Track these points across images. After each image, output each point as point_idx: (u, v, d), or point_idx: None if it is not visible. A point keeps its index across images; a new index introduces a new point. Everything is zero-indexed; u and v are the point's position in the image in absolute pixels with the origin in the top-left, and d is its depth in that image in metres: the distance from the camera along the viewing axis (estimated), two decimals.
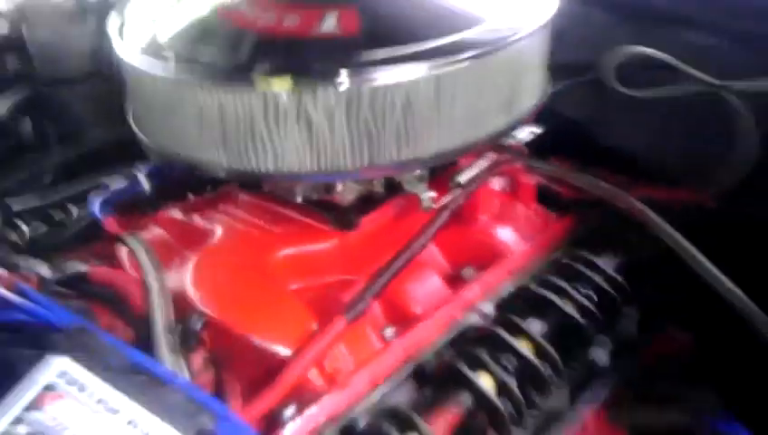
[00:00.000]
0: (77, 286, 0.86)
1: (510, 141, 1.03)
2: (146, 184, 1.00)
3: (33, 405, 0.60)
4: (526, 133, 1.03)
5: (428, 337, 0.85)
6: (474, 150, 0.88)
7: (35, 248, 1.00)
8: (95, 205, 0.97)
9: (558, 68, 1.18)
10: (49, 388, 0.61)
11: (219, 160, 0.81)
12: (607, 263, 0.97)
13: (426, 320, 0.87)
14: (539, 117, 1.08)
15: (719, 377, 0.97)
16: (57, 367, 0.61)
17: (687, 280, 0.93)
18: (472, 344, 0.84)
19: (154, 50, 0.87)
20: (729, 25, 1.06)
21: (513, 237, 1.02)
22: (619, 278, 0.94)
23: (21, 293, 0.73)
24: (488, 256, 0.99)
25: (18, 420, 0.59)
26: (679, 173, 1.10)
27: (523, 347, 0.83)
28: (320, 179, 0.85)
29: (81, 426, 0.60)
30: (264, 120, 0.77)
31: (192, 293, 0.85)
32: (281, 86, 0.74)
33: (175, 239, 0.99)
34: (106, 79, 1.36)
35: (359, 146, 0.78)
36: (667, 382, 0.99)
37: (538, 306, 0.89)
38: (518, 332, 0.84)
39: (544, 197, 1.09)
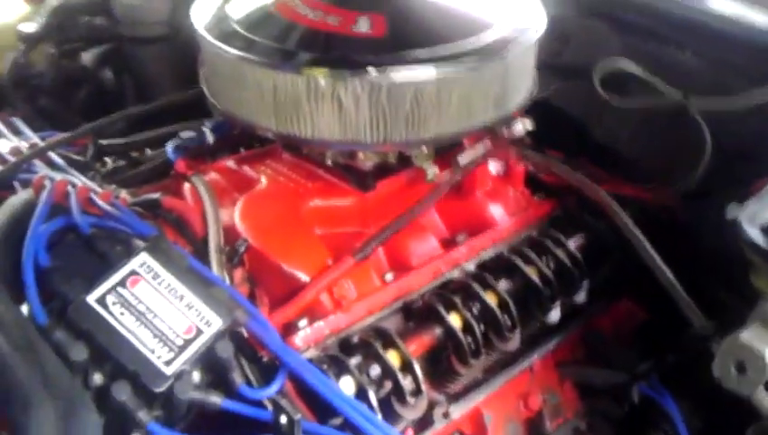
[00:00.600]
0: (151, 209, 1.10)
1: (512, 132, 1.25)
2: (210, 136, 1.23)
3: (122, 283, 0.84)
4: (520, 127, 1.24)
5: (418, 283, 1.09)
6: (467, 136, 1.10)
7: (117, 178, 1.24)
8: (168, 148, 1.21)
9: (562, 68, 1.40)
10: (133, 273, 0.85)
11: (270, 125, 1.05)
12: (572, 242, 1.19)
13: (418, 270, 1.10)
14: (542, 111, 1.30)
15: (659, 348, 1.18)
16: (140, 259, 0.86)
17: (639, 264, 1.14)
18: (449, 291, 1.07)
19: (224, 29, 1.10)
20: (699, 46, 1.26)
21: (501, 213, 1.24)
22: (578, 255, 1.15)
23: (115, 206, 0.97)
24: (479, 226, 1.21)
25: (109, 291, 0.83)
26: (650, 172, 1.30)
27: (490, 299, 1.06)
28: (344, 147, 1.08)
29: (153, 302, 0.84)
30: (307, 98, 1.00)
31: (238, 223, 1.08)
32: (320, 74, 0.97)
33: (228, 183, 1.22)
34: (179, 43, 1.61)
35: (376, 125, 1.01)
36: (611, 346, 1.21)
37: (508, 270, 1.12)
38: (487, 286, 1.07)
39: (533, 182, 1.31)
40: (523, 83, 1.14)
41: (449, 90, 1.01)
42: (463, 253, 1.15)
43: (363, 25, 1.06)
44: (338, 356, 0.95)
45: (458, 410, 1.05)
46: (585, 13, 1.41)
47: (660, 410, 1.12)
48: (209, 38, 1.08)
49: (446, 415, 1.03)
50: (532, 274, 1.11)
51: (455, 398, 1.07)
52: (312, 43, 1.06)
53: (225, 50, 1.05)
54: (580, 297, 1.16)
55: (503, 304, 1.06)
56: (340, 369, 0.93)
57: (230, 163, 1.25)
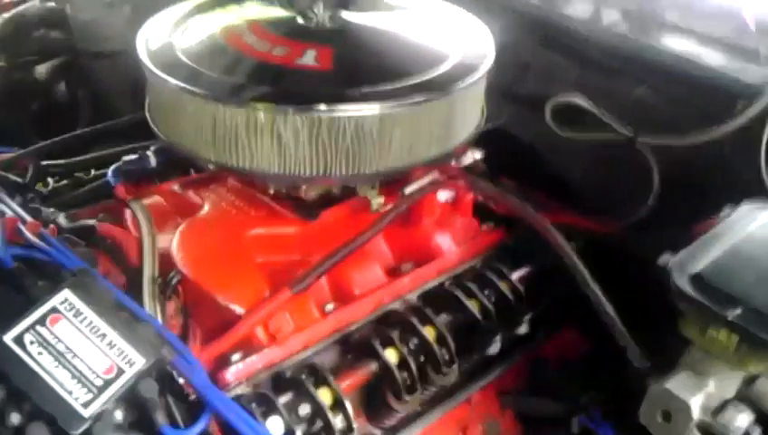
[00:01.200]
0: (86, 236, 1.08)
1: (460, 162, 1.24)
2: (153, 160, 1.21)
3: (41, 321, 0.82)
4: (469, 157, 1.24)
5: (358, 315, 1.08)
6: (408, 172, 1.09)
7: (56, 199, 1.22)
8: (109, 172, 1.19)
9: (519, 96, 1.40)
10: (54, 310, 0.83)
11: (209, 156, 1.03)
12: (516, 273, 1.18)
13: (359, 301, 1.09)
14: (497, 137, 1.29)
15: (603, 380, 1.18)
16: (62, 296, 0.84)
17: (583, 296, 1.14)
18: (389, 325, 1.06)
19: (168, 58, 1.09)
20: (653, 82, 1.26)
21: (448, 242, 1.23)
22: (521, 288, 1.15)
23: (42, 237, 0.95)
24: (425, 256, 1.20)
25: (27, 330, 0.81)
26: (600, 204, 1.30)
27: (428, 333, 1.05)
28: (284, 181, 1.06)
29: (73, 341, 0.82)
30: (246, 131, 0.98)
31: (175, 253, 1.06)
32: (260, 108, 0.96)
33: (172, 207, 1.21)
34: (135, 58, 1.59)
35: (316, 160, 1.00)
36: (554, 376, 1.21)
37: (450, 303, 1.11)
38: (426, 321, 1.06)
39: (482, 210, 1.30)
40: (468, 119, 1.14)
41: (391, 127, 1.00)
42: (406, 284, 1.14)
43: (309, 58, 1.05)
44: (267, 394, 0.93)
45: None
46: (544, 43, 1.41)
47: None
48: (151, 67, 1.06)
49: None
50: (472, 307, 1.10)
51: (391, 431, 1.06)
52: (255, 76, 1.05)
53: (166, 79, 1.03)
54: (522, 329, 1.15)
55: (441, 339, 1.05)
56: (269, 408, 0.92)
57: (175, 187, 1.23)
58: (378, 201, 1.14)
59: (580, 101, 1.28)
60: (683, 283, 0.85)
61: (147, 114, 1.16)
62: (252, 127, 0.98)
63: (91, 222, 1.10)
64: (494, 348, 1.11)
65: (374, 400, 1.04)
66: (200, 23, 1.18)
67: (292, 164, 1.00)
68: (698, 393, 0.81)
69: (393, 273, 1.17)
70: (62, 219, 1.12)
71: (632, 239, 1.25)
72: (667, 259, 0.88)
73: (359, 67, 1.06)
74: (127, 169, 1.20)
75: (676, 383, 0.82)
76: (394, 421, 1.06)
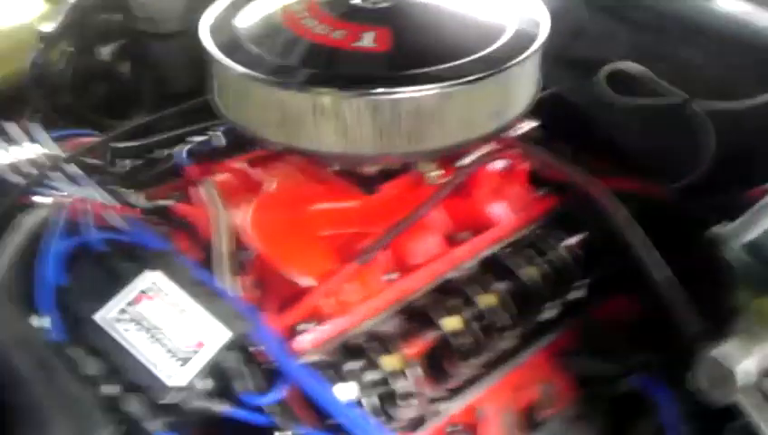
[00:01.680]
0: (164, 216, 1.16)
1: (520, 129, 1.27)
2: (222, 140, 1.28)
3: (133, 302, 0.90)
4: (524, 126, 1.27)
5: (418, 284, 1.13)
6: (467, 148, 1.13)
7: (132, 181, 1.29)
8: (182, 153, 1.26)
9: (573, 62, 1.42)
10: (144, 292, 0.91)
11: (277, 137, 1.09)
12: (571, 240, 1.22)
13: (418, 271, 1.14)
14: (553, 104, 1.32)
15: (656, 342, 1.21)
16: (150, 278, 0.91)
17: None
18: (448, 293, 1.12)
19: (230, 42, 1.14)
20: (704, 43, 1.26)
21: (504, 211, 1.27)
22: (577, 254, 1.18)
23: (127, 221, 1.03)
24: (482, 224, 1.25)
25: (123, 311, 0.89)
26: (655, 169, 1.32)
27: (490, 298, 1.10)
28: (347, 161, 1.12)
29: (160, 318, 0.90)
30: (312, 114, 1.04)
31: (247, 230, 1.13)
32: (323, 93, 1.01)
33: (240, 185, 1.27)
34: (195, 38, 1.64)
35: (378, 140, 1.04)
36: (610, 340, 1.25)
37: (507, 270, 1.15)
38: (486, 287, 1.11)
39: (537, 178, 1.33)
40: (525, 91, 1.16)
41: (450, 105, 1.04)
42: (463, 252, 1.18)
43: (368, 40, 1.09)
44: (337, 361, 1.00)
45: (455, 407, 1.10)
46: (596, 7, 1.42)
47: (653, 401, 1.15)
48: (215, 52, 1.12)
49: (441, 412, 1.08)
50: (529, 274, 1.14)
51: (452, 393, 1.12)
52: (316, 61, 1.09)
53: (231, 65, 1.09)
54: (577, 294, 1.19)
55: (498, 306, 1.10)
56: (340, 373, 0.98)
57: (242, 165, 1.29)
58: (435, 174, 1.18)
59: (633, 67, 1.29)
60: (737, 250, 0.88)
61: (214, 98, 1.21)
62: (317, 111, 1.03)
63: (167, 202, 1.16)
64: (550, 313, 1.16)
65: (435, 365, 1.10)
66: (260, 6, 1.23)
67: (356, 144, 1.05)
68: (747, 360, 0.84)
69: (451, 242, 1.22)
70: (141, 201, 1.19)
71: (686, 204, 1.27)
72: (722, 227, 0.91)
73: (415, 47, 1.09)
74: (199, 150, 1.27)
75: (724, 350, 0.85)
76: (455, 385, 1.12)
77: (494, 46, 1.10)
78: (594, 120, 1.39)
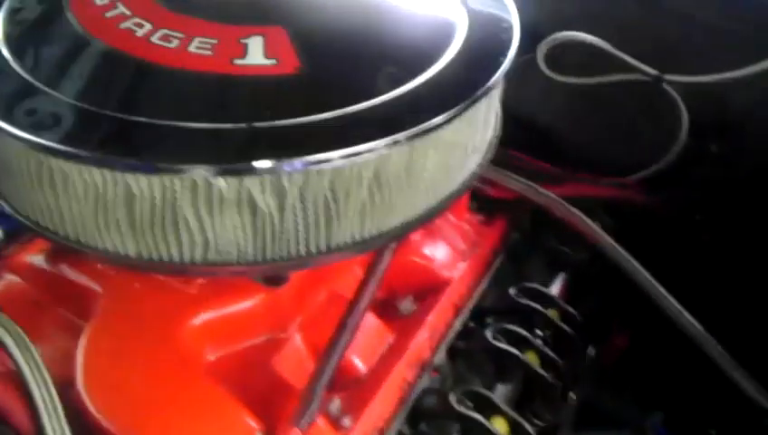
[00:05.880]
0: None
1: None
2: None
3: None
4: None
5: (384, 414, 0.74)
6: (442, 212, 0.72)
7: None
8: None
9: None
10: None
11: (124, 247, 0.61)
12: (553, 285, 0.89)
13: (376, 393, 0.75)
14: None
15: (651, 376, 0.95)
16: None
17: (623, 284, 0.88)
18: (430, 420, 0.75)
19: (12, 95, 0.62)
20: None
21: (448, 255, 0.91)
22: (575, 313, 0.86)
23: None
24: (422, 280, 0.88)
25: None
26: (607, 162, 1.03)
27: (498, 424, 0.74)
28: (265, 271, 0.67)
29: None
30: (192, 206, 0.57)
31: (84, 395, 0.66)
32: (218, 175, 0.55)
33: (41, 294, 0.78)
34: None
35: (315, 231, 0.61)
36: (612, 399, 0.96)
37: (499, 360, 0.80)
38: (486, 405, 0.75)
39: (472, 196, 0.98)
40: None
41: (424, 158, 0.63)
42: (424, 339, 0.81)
43: (257, 53, 0.63)
44: None
45: None
46: None
47: None
48: None
49: None
50: (532, 362, 0.80)
51: None
52: (163, 99, 0.61)
53: (12, 133, 0.58)
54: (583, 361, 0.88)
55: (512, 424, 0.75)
56: None
57: (37, 260, 0.79)
58: None
59: (586, 38, 0.96)
60: None
61: None
62: (203, 198, 0.57)
63: None
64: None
65: None
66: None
67: (276, 245, 0.61)
68: None
69: (386, 312, 0.84)
70: None
71: (663, 200, 1.00)
72: None
73: (342, 63, 0.66)
74: None
75: None
76: None
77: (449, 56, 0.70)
78: (533, 111, 1.04)
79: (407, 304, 0.86)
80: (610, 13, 0.96)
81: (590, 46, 0.95)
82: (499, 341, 0.79)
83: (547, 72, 0.97)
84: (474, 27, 0.73)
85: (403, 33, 0.73)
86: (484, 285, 0.89)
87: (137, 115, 0.56)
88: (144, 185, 0.55)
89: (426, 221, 0.67)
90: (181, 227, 0.58)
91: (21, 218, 0.64)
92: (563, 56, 0.97)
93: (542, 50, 0.96)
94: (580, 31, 0.95)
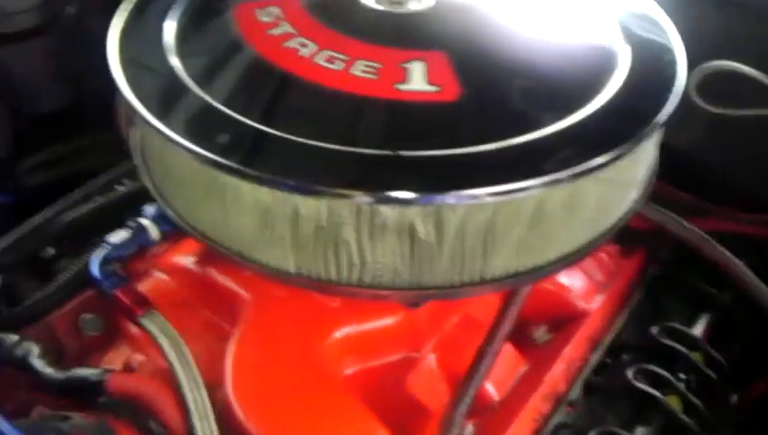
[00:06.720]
0: (90, 398, 0.68)
1: None
2: (154, 232, 0.79)
3: None
4: None
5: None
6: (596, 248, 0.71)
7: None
8: (94, 265, 0.76)
9: None
10: None
11: (285, 262, 0.62)
12: (697, 328, 0.86)
13: (511, 423, 0.74)
14: None
15: None
16: None
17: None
18: None
19: (172, 93, 0.65)
20: None
21: (585, 285, 0.89)
22: (721, 359, 0.82)
23: None
24: (557, 310, 0.87)
25: None
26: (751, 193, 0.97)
27: None
28: (417, 298, 0.67)
29: None
30: (355, 230, 0.58)
31: (235, 404, 0.68)
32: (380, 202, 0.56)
33: (189, 295, 0.81)
34: (58, 35, 1.11)
35: (470, 261, 0.61)
36: None
37: (639, 401, 0.77)
38: None
39: None
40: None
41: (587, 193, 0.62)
42: (559, 372, 0.80)
43: (418, 79, 0.64)
44: None
45: None
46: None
47: None
48: (154, 122, 0.62)
49: None
50: (674, 407, 0.77)
51: None
52: (330, 122, 0.63)
53: (178, 142, 0.60)
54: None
55: None
56: None
57: (185, 261, 0.82)
58: None
59: (736, 68, 0.91)
60: None
61: (143, 178, 0.73)
62: (366, 224, 0.58)
63: (95, 372, 0.69)
64: None
65: None
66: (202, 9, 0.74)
67: (431, 273, 0.61)
68: None
69: (520, 341, 0.83)
70: (38, 364, 0.70)
71: None
72: None
73: (506, 91, 0.66)
74: (119, 256, 0.77)
75: None
76: None
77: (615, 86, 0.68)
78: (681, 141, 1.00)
79: (540, 333, 0.85)
80: (758, 40, 0.91)
81: (742, 75, 0.90)
82: (640, 381, 0.76)
83: (699, 102, 0.93)
84: (637, 56, 0.71)
85: (562, 60, 0.71)
86: (621, 320, 0.87)
87: (309, 138, 0.57)
88: (312, 206, 0.57)
89: (579, 258, 0.65)
90: (342, 249, 0.59)
91: (186, 227, 0.67)
92: (712, 85, 0.93)
93: (693, 79, 0.92)
94: (727, 59, 0.90)
